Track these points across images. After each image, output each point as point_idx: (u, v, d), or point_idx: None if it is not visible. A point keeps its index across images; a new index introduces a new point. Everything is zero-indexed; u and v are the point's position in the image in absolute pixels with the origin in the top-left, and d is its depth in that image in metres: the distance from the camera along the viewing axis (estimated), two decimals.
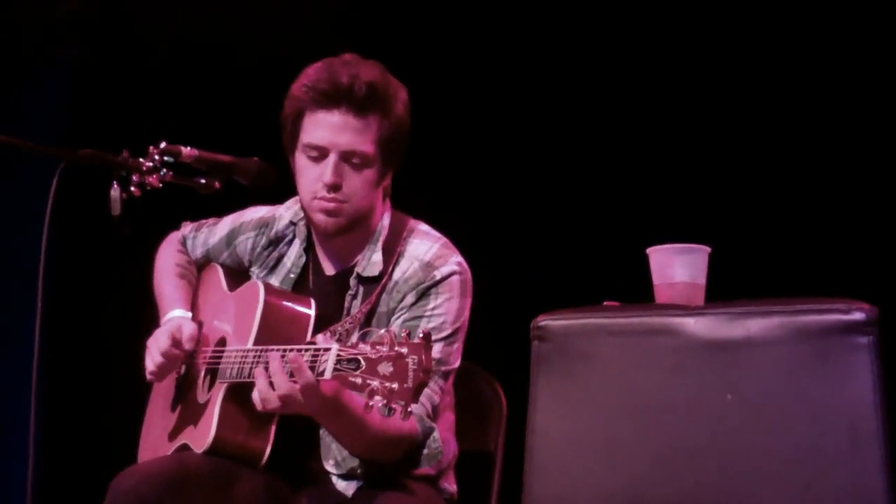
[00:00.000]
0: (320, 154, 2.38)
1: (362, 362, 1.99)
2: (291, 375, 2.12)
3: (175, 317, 2.56)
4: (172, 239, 2.75)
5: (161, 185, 2.26)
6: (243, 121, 3.00)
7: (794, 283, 2.05)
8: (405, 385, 1.95)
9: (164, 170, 2.25)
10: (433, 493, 2.42)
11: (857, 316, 1.83)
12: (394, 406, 1.97)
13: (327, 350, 2.06)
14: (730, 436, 1.84)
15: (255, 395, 2.17)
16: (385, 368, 1.97)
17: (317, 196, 2.39)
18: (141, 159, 2.25)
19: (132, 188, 2.23)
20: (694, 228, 2.27)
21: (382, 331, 2.02)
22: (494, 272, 2.59)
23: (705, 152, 3.12)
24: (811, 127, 3.05)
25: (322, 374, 2.06)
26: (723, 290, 2.10)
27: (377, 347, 1.99)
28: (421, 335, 1.98)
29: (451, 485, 2.49)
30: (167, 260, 2.72)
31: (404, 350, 1.97)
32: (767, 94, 3.10)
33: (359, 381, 1.99)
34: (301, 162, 2.42)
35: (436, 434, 2.37)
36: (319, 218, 2.41)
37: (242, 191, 2.42)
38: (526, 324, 2.28)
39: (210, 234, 2.69)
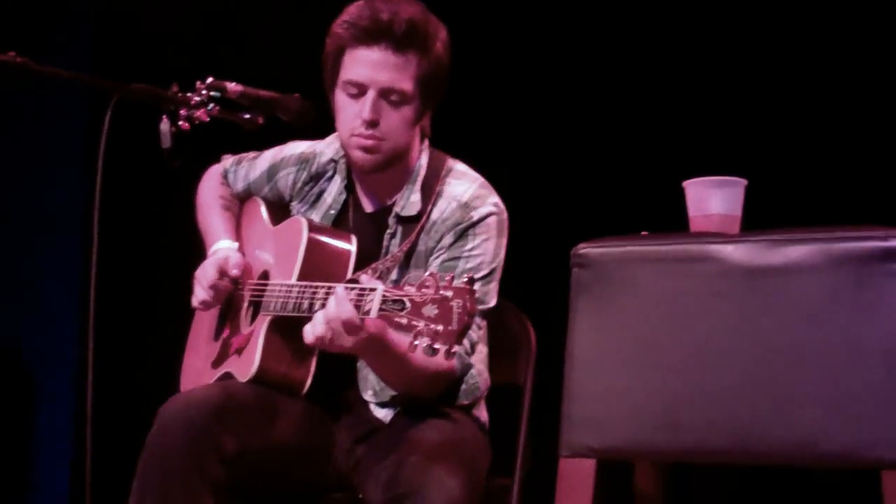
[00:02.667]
0: (359, 91, 2.41)
1: (407, 304, 2.03)
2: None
3: (222, 247, 2.61)
4: (214, 172, 2.79)
5: (209, 119, 2.31)
6: (280, 58, 3.02)
7: (831, 212, 2.08)
8: (450, 327, 1.99)
9: (212, 104, 2.31)
10: (468, 420, 2.48)
11: (895, 242, 1.87)
12: (437, 347, 2.01)
13: (373, 290, 2.10)
14: (767, 360, 1.89)
15: (307, 327, 2.20)
16: (430, 310, 2.00)
17: (355, 133, 2.43)
18: (189, 94, 2.30)
19: (181, 122, 2.29)
20: (729, 160, 2.31)
21: (427, 273, 2.06)
22: (526, 207, 2.63)
23: (737, 86, 3.12)
24: (840, 61, 3.06)
25: (368, 313, 2.09)
26: (758, 222, 2.14)
27: (422, 290, 2.02)
28: (465, 279, 2.02)
29: (482, 414, 2.55)
30: (210, 193, 2.76)
31: (449, 293, 2.00)
32: (794, 29, 3.11)
33: (404, 321, 2.03)
34: (340, 98, 2.45)
35: (473, 370, 2.44)
36: (357, 155, 2.45)
37: (282, 126, 2.48)
38: (555, 258, 2.34)
39: (251, 168, 2.73)
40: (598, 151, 3.31)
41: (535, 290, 2.75)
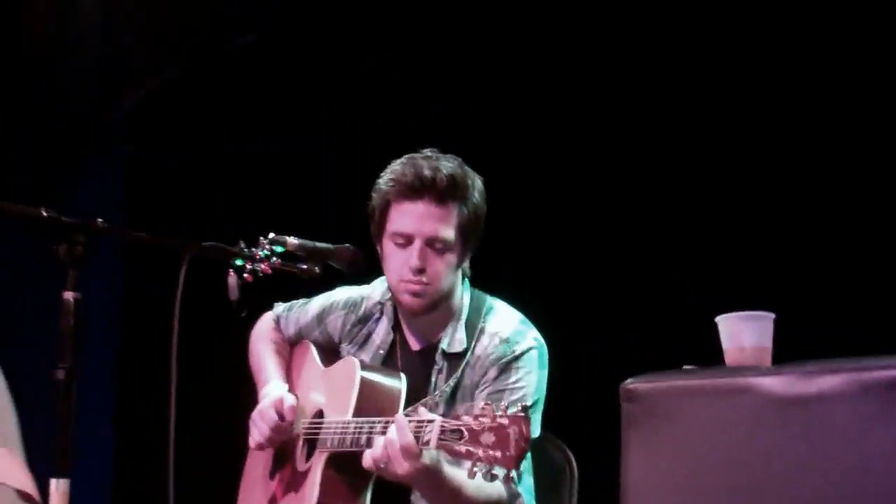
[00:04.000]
0: (406, 241, 2.60)
1: (465, 433, 2.15)
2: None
3: (274, 389, 2.75)
4: (266, 318, 2.96)
5: (271, 271, 2.49)
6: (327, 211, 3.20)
7: (856, 343, 2.23)
8: (508, 453, 2.10)
9: (274, 258, 2.49)
10: None
11: None
12: (496, 472, 2.12)
13: (431, 421, 2.22)
14: (804, 485, 2.02)
15: (367, 452, 2.33)
16: (487, 438, 2.12)
17: (404, 279, 2.60)
18: (253, 248, 2.48)
19: (245, 275, 2.46)
20: (752, 296, 2.47)
21: (482, 404, 2.18)
22: (562, 344, 2.78)
23: (759, 227, 3.30)
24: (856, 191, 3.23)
25: (427, 443, 2.21)
26: (786, 352, 2.29)
27: (479, 419, 2.14)
28: (520, 407, 2.15)
29: None
30: (263, 337, 2.92)
31: (505, 421, 2.12)
32: (811, 161, 3.27)
33: (463, 450, 2.14)
34: (388, 248, 2.64)
35: (522, 499, 2.55)
36: (406, 299, 2.62)
37: (334, 272, 2.64)
38: (591, 392, 2.47)
39: (302, 313, 2.90)
40: (626, 287, 3.47)
41: (574, 424, 2.88)
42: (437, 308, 2.64)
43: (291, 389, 2.79)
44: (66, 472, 2.03)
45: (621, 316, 3.43)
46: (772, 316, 2.32)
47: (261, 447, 2.71)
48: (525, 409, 2.15)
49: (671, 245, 3.41)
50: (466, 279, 2.73)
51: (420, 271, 2.59)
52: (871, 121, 3.18)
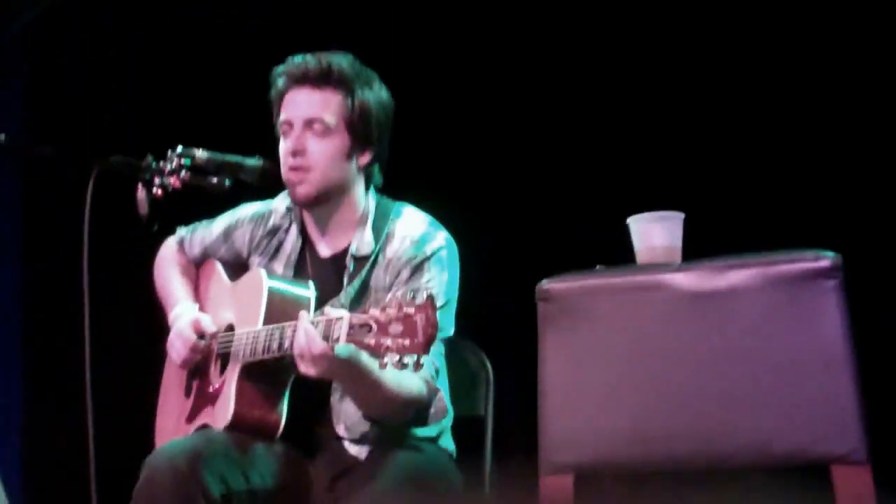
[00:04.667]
0: (289, 128, 2.60)
1: (374, 325, 2.17)
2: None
3: (185, 309, 2.73)
4: (169, 243, 2.91)
5: (180, 185, 2.45)
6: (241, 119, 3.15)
7: (761, 239, 2.30)
8: (416, 339, 2.13)
9: (183, 171, 2.45)
10: (437, 450, 2.64)
11: (824, 263, 2.09)
12: (406, 361, 2.15)
13: (339, 318, 2.24)
14: (718, 373, 2.09)
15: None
16: (395, 328, 2.14)
17: (287, 167, 2.60)
18: (162, 162, 2.43)
19: (155, 189, 2.42)
20: (666, 196, 2.52)
21: (389, 296, 2.21)
22: (475, 247, 2.82)
23: (668, 124, 3.33)
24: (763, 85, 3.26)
25: (337, 340, 2.23)
26: (695, 252, 2.34)
27: (386, 311, 2.16)
28: (425, 296, 2.17)
29: (450, 444, 2.70)
30: (167, 262, 2.88)
31: (412, 310, 2.14)
32: (721, 60, 3.30)
33: (372, 342, 2.16)
34: (280, 143, 2.63)
35: (441, 393, 2.58)
36: (292, 190, 2.61)
37: (246, 187, 2.62)
38: (505, 294, 2.50)
39: (206, 232, 2.86)
40: (538, 192, 3.50)
41: (489, 327, 2.92)
42: (329, 201, 2.62)
43: (201, 309, 2.76)
44: None
45: (533, 218, 3.46)
46: (681, 215, 2.37)
47: (185, 366, 2.70)
48: (430, 297, 2.17)
49: (583, 145, 3.43)
50: (373, 186, 2.71)
51: (297, 153, 2.58)
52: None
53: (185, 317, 2.70)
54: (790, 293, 2.08)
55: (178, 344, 2.66)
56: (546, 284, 2.25)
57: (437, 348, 2.57)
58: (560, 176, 3.46)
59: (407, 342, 2.14)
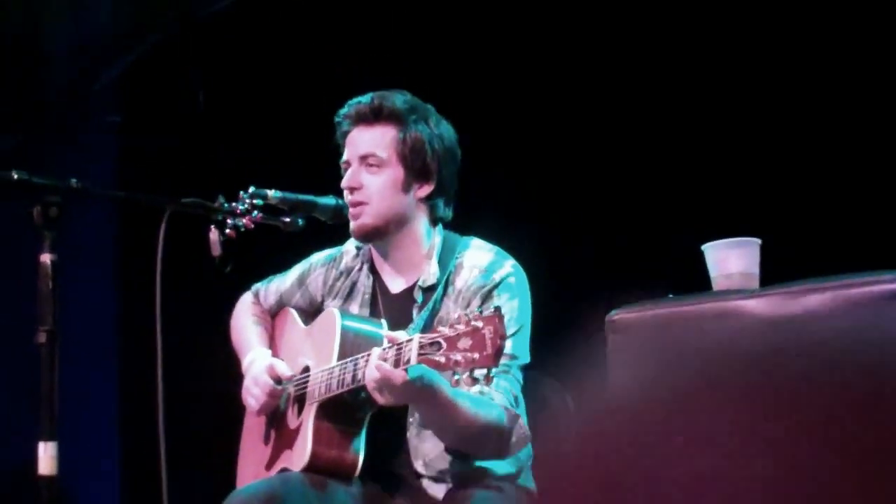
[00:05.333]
0: (348, 166, 2.65)
1: (443, 343, 2.15)
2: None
3: (259, 355, 2.75)
4: (245, 297, 2.96)
5: (253, 226, 2.48)
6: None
7: (838, 263, 2.22)
8: (485, 353, 2.10)
9: (255, 212, 2.47)
10: (518, 491, 2.59)
11: None
12: (477, 375, 2.12)
13: (409, 341, 2.23)
14: (799, 402, 2.01)
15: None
16: (465, 343, 2.12)
17: (347, 204, 2.63)
18: (234, 203, 2.46)
19: (227, 230, 2.45)
20: (739, 222, 2.46)
21: (456, 314, 2.19)
22: (550, 279, 2.78)
23: (741, 151, 3.27)
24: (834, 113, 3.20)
25: (408, 361, 2.21)
26: (774, 277, 2.27)
27: (454, 326, 2.15)
28: (492, 308, 2.15)
29: (529, 483, 2.64)
30: (243, 313, 2.92)
31: (479, 324, 2.12)
32: (788, 88, 3.24)
33: (442, 359, 2.14)
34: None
35: (521, 420, 2.52)
36: (351, 226, 2.63)
37: (321, 225, 2.64)
38: (580, 328, 2.45)
39: (280, 282, 2.89)
40: (612, 219, 3.45)
41: (567, 360, 2.87)
42: (387, 233, 2.63)
43: (276, 356, 2.78)
44: (53, 435, 2.04)
45: (606, 249, 3.41)
46: (758, 241, 2.30)
47: (261, 413, 2.72)
48: (497, 308, 2.14)
49: (654, 173, 3.38)
50: (440, 223, 2.70)
51: (353, 189, 2.61)
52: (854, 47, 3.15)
53: (259, 362, 2.72)
54: (870, 317, 1.99)
55: (256, 390, 2.68)
56: (615, 315, 2.20)
57: (515, 376, 2.54)
58: (634, 202, 3.41)
59: (476, 356, 2.11)
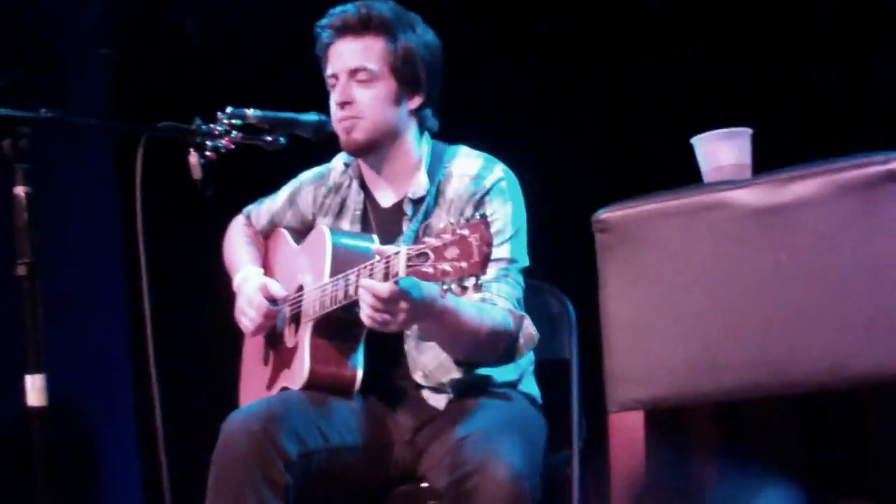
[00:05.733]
0: (336, 80, 2.58)
1: (430, 254, 2.09)
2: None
3: (250, 273, 2.71)
4: (237, 219, 2.92)
5: (233, 146, 2.43)
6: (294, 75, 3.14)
7: (832, 146, 2.15)
8: (472, 260, 2.05)
9: (234, 132, 2.42)
10: (520, 397, 2.57)
11: (895, 165, 1.95)
12: (466, 284, 2.07)
13: (397, 253, 2.18)
14: (790, 292, 1.96)
15: (363, 315, 2.26)
16: (452, 252, 2.07)
17: (336, 119, 2.56)
18: (211, 125, 2.41)
19: (207, 152, 2.40)
20: (732, 113, 2.39)
21: (443, 224, 2.13)
22: (546, 181, 2.72)
23: (728, 35, 3.20)
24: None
25: (397, 274, 2.16)
26: (769, 168, 2.21)
27: (441, 236, 2.09)
28: (478, 216, 2.08)
29: (533, 389, 2.63)
30: (234, 235, 2.89)
31: (465, 231, 2.06)
32: None
33: (430, 270, 2.09)
34: (331, 97, 2.60)
35: (527, 321, 2.48)
36: (343, 140, 2.57)
37: (304, 142, 2.59)
38: (575, 229, 2.41)
39: (271, 202, 2.86)
40: (602, 121, 3.39)
41: (565, 263, 2.83)
42: (381, 147, 2.58)
43: (271, 276, 2.75)
44: (40, 367, 2.02)
45: (597, 148, 3.35)
46: (749, 131, 2.24)
47: (257, 333, 2.69)
48: (483, 215, 2.09)
49: (642, 67, 3.30)
50: (427, 132, 2.65)
51: (345, 104, 2.55)
52: None
53: (251, 281, 2.68)
54: (861, 200, 1.94)
55: (251, 311, 2.65)
56: (602, 214, 2.16)
57: (516, 279, 2.52)
58: (623, 98, 3.34)
59: (464, 264, 2.06)
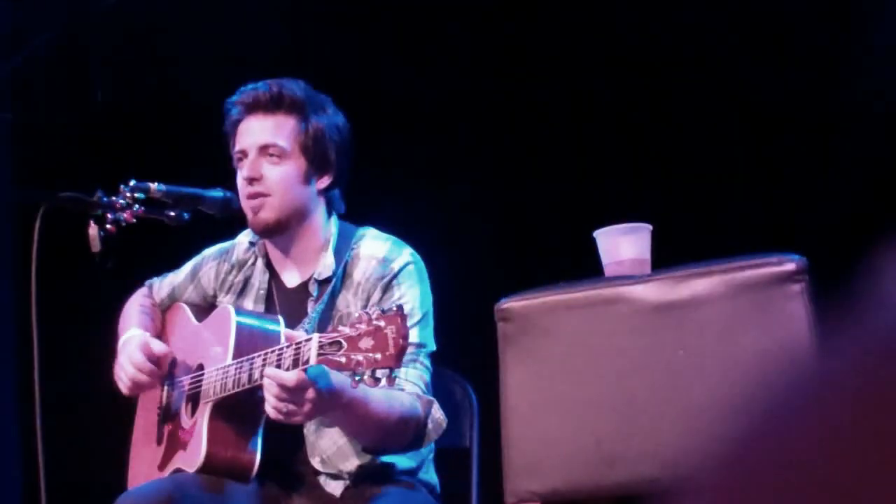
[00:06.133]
0: (245, 156, 2.56)
1: (343, 343, 2.07)
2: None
3: (134, 335, 2.63)
4: (138, 291, 2.86)
5: (135, 220, 2.40)
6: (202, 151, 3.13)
7: (729, 245, 2.21)
8: (388, 353, 2.03)
9: (136, 206, 2.39)
10: (418, 485, 2.55)
11: (789, 267, 2.00)
12: (379, 375, 2.05)
13: (308, 340, 2.15)
14: (685, 387, 1.99)
15: (267, 406, 2.22)
16: (366, 343, 2.05)
17: (245, 196, 2.54)
18: (113, 197, 2.38)
19: (108, 225, 2.36)
20: (633, 208, 2.44)
21: (357, 313, 2.12)
22: (449, 268, 2.73)
23: (633, 140, 3.28)
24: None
25: (307, 361, 2.13)
26: (668, 261, 2.24)
27: (356, 326, 2.08)
28: (395, 308, 2.08)
29: (432, 478, 2.61)
30: (131, 304, 2.82)
31: (382, 323, 2.05)
32: (675, 81, 3.27)
33: (343, 359, 2.07)
34: (237, 174, 2.58)
35: (436, 406, 2.46)
36: (251, 219, 2.55)
37: (210, 219, 2.57)
38: (479, 317, 2.42)
39: (174, 276, 2.81)
40: (506, 206, 3.44)
41: (468, 351, 2.84)
42: (289, 227, 2.56)
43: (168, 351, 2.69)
44: None
45: (501, 238, 3.39)
46: (649, 227, 2.28)
47: (132, 391, 2.60)
48: (399, 307, 2.09)
49: (546, 160, 3.36)
50: (335, 213, 2.65)
51: (254, 180, 2.52)
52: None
53: (133, 341, 2.60)
54: (755, 299, 1.98)
55: (129, 368, 2.55)
56: (504, 303, 2.17)
57: (424, 363, 2.50)
58: (528, 189, 3.39)
59: (378, 356, 2.05)
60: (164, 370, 2.61)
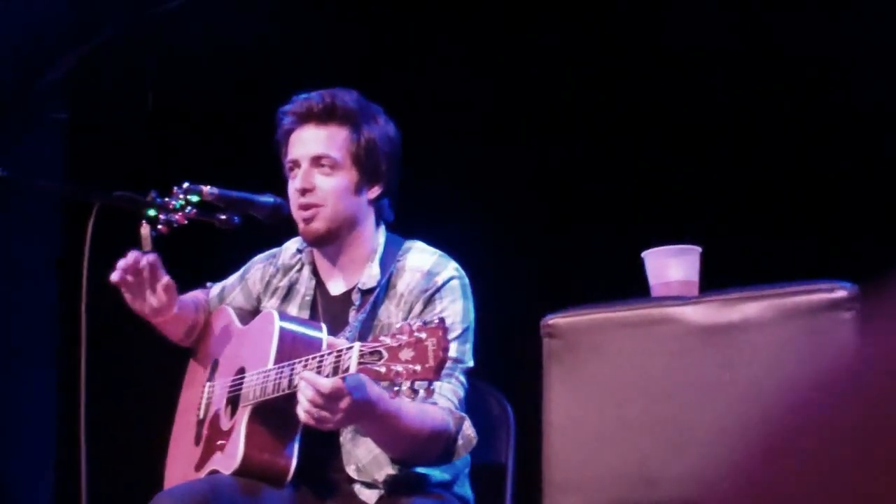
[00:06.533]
0: (297, 167, 2.57)
1: (384, 353, 2.08)
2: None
3: None
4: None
5: (186, 221, 2.42)
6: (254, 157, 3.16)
7: (780, 271, 2.20)
8: (427, 364, 2.03)
9: (189, 207, 2.41)
10: (453, 499, 2.54)
11: (840, 294, 1.99)
12: (417, 387, 2.05)
13: (350, 348, 2.16)
14: (730, 410, 1.98)
15: (299, 409, 2.23)
16: (406, 354, 2.05)
17: (296, 206, 2.56)
18: (167, 199, 2.41)
19: (160, 226, 2.39)
20: (684, 228, 2.43)
21: (399, 324, 2.13)
22: (494, 283, 2.73)
23: (688, 159, 3.28)
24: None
25: (347, 370, 2.14)
26: (716, 285, 2.24)
27: (397, 337, 2.08)
28: (437, 320, 2.08)
29: (467, 492, 2.60)
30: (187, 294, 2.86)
31: (423, 335, 2.05)
32: (730, 97, 3.26)
33: (382, 369, 2.07)
34: (288, 183, 2.60)
35: (467, 422, 2.46)
36: (302, 228, 2.56)
37: (258, 226, 2.59)
38: (522, 333, 2.42)
39: (228, 279, 2.84)
40: (558, 223, 3.44)
41: (508, 366, 2.84)
42: (339, 239, 2.57)
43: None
44: None
45: (549, 255, 3.39)
46: (698, 249, 2.27)
47: (118, 279, 2.53)
48: (441, 320, 2.09)
49: (597, 179, 3.36)
50: (383, 223, 2.66)
51: (307, 191, 2.54)
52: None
53: None
54: (805, 325, 1.98)
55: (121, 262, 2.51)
56: (551, 319, 2.17)
57: (460, 380, 2.49)
58: (577, 207, 3.39)
59: (418, 367, 2.05)
60: (158, 278, 2.54)
